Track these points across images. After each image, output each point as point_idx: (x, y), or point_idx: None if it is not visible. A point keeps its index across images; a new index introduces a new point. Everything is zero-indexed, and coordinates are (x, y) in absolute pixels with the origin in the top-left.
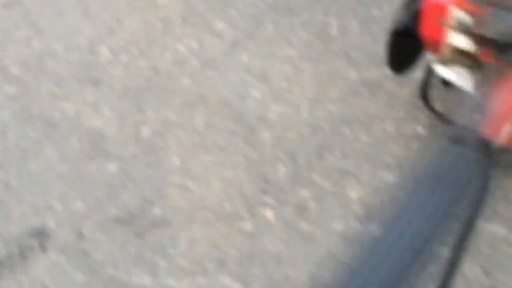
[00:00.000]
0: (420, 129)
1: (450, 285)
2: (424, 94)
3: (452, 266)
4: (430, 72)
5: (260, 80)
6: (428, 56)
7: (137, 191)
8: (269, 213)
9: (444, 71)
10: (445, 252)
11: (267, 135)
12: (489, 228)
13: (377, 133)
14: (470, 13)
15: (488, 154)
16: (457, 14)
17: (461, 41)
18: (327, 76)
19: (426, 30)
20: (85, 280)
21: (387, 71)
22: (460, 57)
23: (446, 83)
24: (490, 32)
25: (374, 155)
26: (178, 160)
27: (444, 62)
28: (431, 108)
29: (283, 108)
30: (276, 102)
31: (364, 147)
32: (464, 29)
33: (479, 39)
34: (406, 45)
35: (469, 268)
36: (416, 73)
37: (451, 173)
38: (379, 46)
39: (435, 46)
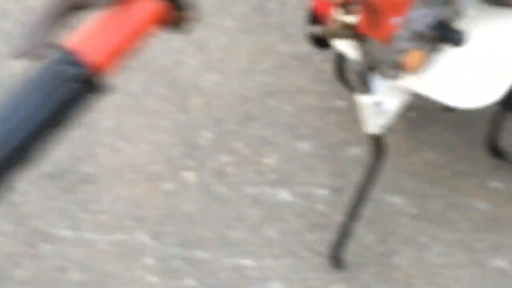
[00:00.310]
0: (340, 103)
1: (345, 247)
2: (337, 68)
3: (346, 230)
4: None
5: (197, 49)
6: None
7: (69, 149)
8: (189, 176)
9: (336, 43)
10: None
11: (197, 101)
12: (390, 200)
13: (300, 105)
14: None
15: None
16: None
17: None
18: (261, 49)
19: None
20: (11, 230)
21: None
22: (344, 30)
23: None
24: None
25: (294, 125)
26: (111, 121)
27: (332, 34)
28: (344, 82)
29: (215, 77)
30: (209, 71)
31: (285, 118)
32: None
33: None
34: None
35: (365, 236)
36: None
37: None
38: None
39: (323, 19)
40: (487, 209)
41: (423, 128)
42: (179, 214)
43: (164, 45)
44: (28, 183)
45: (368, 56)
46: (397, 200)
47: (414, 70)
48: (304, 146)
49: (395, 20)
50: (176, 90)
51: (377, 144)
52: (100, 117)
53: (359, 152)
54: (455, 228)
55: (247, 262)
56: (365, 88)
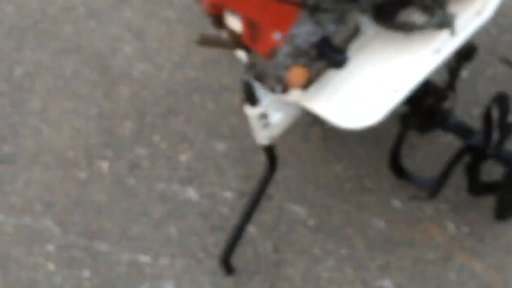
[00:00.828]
0: None
1: (234, 253)
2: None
3: (235, 236)
4: None
5: (135, 37)
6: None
7: None
8: (104, 165)
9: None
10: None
11: (125, 91)
12: (292, 209)
13: (223, 104)
14: None
15: None
16: None
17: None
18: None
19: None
20: None
21: None
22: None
23: None
24: None
25: (214, 124)
26: (38, 103)
27: (211, 42)
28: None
29: (147, 67)
30: (142, 61)
31: (207, 116)
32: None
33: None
34: None
35: (262, 243)
36: None
37: None
38: None
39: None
40: (384, 228)
41: (338, 139)
42: (87, 203)
43: (101, 28)
44: None
45: (254, 68)
46: (299, 210)
47: (297, 85)
48: (220, 146)
49: (275, 36)
50: (106, 77)
51: (268, 154)
52: (28, 98)
53: None
54: (350, 244)
55: (144, 258)
56: (252, 99)
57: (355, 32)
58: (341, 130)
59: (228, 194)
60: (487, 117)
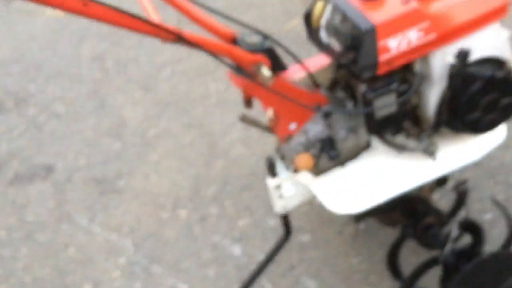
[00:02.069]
0: None
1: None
2: None
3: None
4: None
5: (244, 127)
6: None
7: None
8: (182, 213)
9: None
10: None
11: (221, 164)
12: (306, 282)
13: None
14: None
15: None
16: None
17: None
18: None
19: None
20: None
21: None
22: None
23: None
24: None
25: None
26: (156, 157)
27: (251, 122)
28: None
29: (243, 150)
30: (242, 144)
31: None
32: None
33: None
34: None
35: None
36: None
37: None
38: None
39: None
40: None
41: (365, 238)
42: (159, 235)
43: (224, 116)
44: None
45: (278, 148)
46: (312, 284)
47: (303, 169)
48: (271, 221)
49: (292, 126)
50: (212, 151)
51: (283, 221)
52: (150, 151)
53: None
54: None
55: (182, 286)
56: (272, 172)
57: (368, 145)
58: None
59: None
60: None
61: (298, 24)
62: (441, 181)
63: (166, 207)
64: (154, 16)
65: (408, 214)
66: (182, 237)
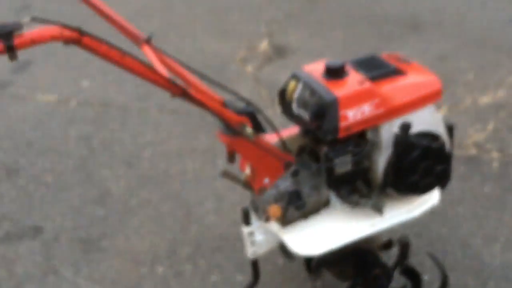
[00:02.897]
0: None
1: None
2: None
3: None
4: None
5: (217, 199)
6: None
7: None
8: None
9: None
10: None
11: (195, 229)
12: None
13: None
14: None
15: None
16: None
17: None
18: None
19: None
20: None
21: None
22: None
23: None
24: None
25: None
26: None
27: (231, 177)
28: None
29: (216, 218)
30: (217, 216)
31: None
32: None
33: None
34: None
35: None
36: None
37: None
38: None
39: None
40: None
41: None
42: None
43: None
44: None
45: (253, 200)
46: None
47: (274, 218)
48: (239, 278)
49: (266, 180)
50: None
51: (253, 266)
52: None
53: None
54: None
55: None
56: (246, 221)
57: (327, 202)
58: None
59: None
60: None
61: None
62: (387, 245)
63: (145, 263)
64: (164, 72)
65: (359, 265)
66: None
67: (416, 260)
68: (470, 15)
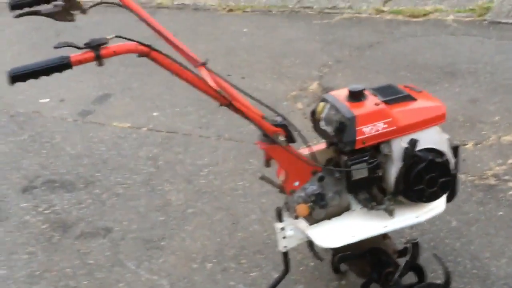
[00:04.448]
0: None
1: None
2: None
3: None
4: None
5: None
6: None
7: None
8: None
9: None
10: None
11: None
12: None
13: None
14: None
15: None
16: None
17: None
18: None
19: None
20: None
21: None
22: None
23: None
24: None
25: None
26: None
27: (267, 181)
28: None
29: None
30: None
31: None
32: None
33: None
34: None
35: None
36: None
37: None
38: None
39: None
40: None
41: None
42: None
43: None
44: None
45: (285, 202)
46: None
47: (301, 215)
48: None
49: (296, 183)
50: None
51: (284, 258)
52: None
53: None
54: None
55: None
56: (279, 218)
57: (348, 207)
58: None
59: None
60: None
61: None
62: (402, 252)
63: (196, 260)
64: (214, 85)
65: (375, 263)
66: (207, 281)
67: (429, 269)
68: (503, 65)
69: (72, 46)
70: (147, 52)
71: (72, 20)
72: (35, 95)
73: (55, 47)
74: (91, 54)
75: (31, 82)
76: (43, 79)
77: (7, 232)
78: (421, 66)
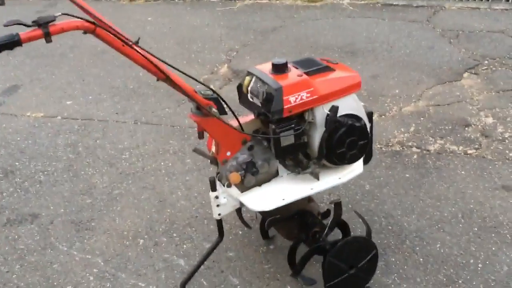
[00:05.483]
0: None
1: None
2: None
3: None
4: None
5: None
6: None
7: None
8: None
9: None
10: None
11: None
12: (230, 280)
13: None
14: None
15: None
16: None
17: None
18: None
19: None
20: None
21: None
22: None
23: None
24: None
25: None
26: None
27: (200, 153)
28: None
29: None
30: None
31: None
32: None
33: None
34: None
35: None
36: None
37: None
38: None
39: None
40: None
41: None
42: None
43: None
44: None
45: (218, 172)
46: (235, 281)
47: (234, 183)
48: None
49: (228, 153)
50: None
51: (218, 225)
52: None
53: None
54: None
55: None
56: (212, 187)
57: (277, 174)
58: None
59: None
60: None
61: None
62: (325, 214)
63: (128, 238)
64: (154, 60)
65: (302, 225)
66: (141, 255)
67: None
68: (398, 43)
69: (21, 24)
70: (93, 28)
71: (2, 4)
72: None
73: (5, 25)
74: (39, 31)
75: None
76: None
77: None
78: (323, 47)
